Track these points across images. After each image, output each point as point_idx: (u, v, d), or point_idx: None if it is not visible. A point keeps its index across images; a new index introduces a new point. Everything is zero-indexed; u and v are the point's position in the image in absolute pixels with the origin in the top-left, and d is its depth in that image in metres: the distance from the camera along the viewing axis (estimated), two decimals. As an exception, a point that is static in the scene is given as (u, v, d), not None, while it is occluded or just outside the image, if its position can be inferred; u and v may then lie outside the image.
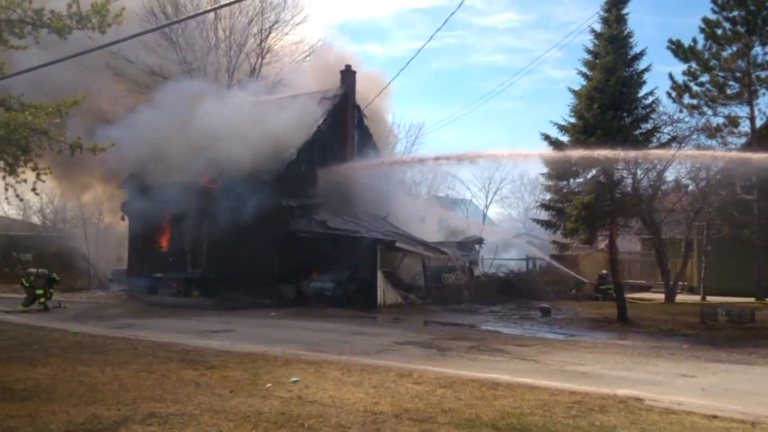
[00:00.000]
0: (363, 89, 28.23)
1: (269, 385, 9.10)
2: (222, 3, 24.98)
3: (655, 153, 19.91)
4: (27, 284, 20.41)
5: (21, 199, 8.93)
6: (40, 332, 14.68)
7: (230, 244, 24.15)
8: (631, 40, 19.44)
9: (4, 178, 8.76)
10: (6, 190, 8.95)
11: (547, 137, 19.85)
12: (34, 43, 8.09)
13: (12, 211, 42.98)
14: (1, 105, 8.71)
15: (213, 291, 24.91)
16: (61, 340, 13.33)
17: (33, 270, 21.13)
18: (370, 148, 28.33)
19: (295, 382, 9.28)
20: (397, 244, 23.55)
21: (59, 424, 7.06)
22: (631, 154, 18.75)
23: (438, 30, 30.03)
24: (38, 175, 8.84)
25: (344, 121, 27.38)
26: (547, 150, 19.81)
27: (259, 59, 33.52)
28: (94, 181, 30.01)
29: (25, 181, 9.08)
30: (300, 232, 24.18)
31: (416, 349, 13.14)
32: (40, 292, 20.12)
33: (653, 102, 19.58)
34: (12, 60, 8.51)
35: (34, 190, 8.97)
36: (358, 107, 27.99)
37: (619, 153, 18.32)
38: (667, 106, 20.90)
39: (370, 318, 19.79)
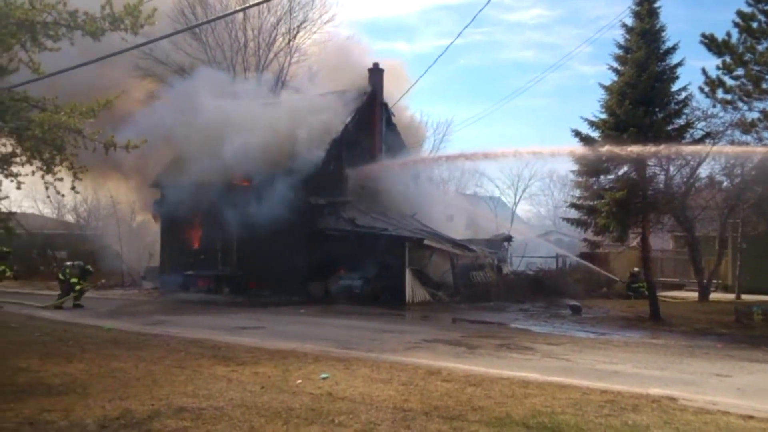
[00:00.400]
0: (389, 87, 28.23)
1: (299, 381, 9.17)
2: (250, 3, 25.12)
3: (688, 149, 19.58)
4: (62, 277, 20.72)
5: (62, 195, 9.10)
6: (75, 328, 14.97)
7: (260, 242, 24.34)
8: (663, 34, 19.13)
9: (42, 177, 8.94)
10: (46, 188, 9.13)
11: (577, 134, 19.63)
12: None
13: (47, 210, 43.93)
14: (36, 106, 8.88)
15: (243, 288, 25.16)
16: (95, 337, 13.60)
17: (69, 263, 21.51)
18: (398, 146, 28.31)
19: (324, 378, 9.33)
20: (426, 242, 23.52)
21: (94, 419, 7.19)
22: (664, 149, 18.45)
23: (466, 27, 30.31)
24: (75, 174, 9.01)
25: (372, 119, 27.41)
26: (578, 146, 19.58)
27: (288, 58, 33.70)
28: (127, 179, 30.47)
29: (61, 179, 9.25)
30: (328, 230, 24.28)
31: (445, 346, 13.11)
32: (74, 279, 20.41)
33: (686, 97, 19.25)
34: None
35: (73, 188, 9.14)
36: (385, 105, 28.00)
37: (651, 148, 18.05)
38: (701, 101, 20.50)
39: (399, 315, 19.81)
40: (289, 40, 33.82)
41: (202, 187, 24.00)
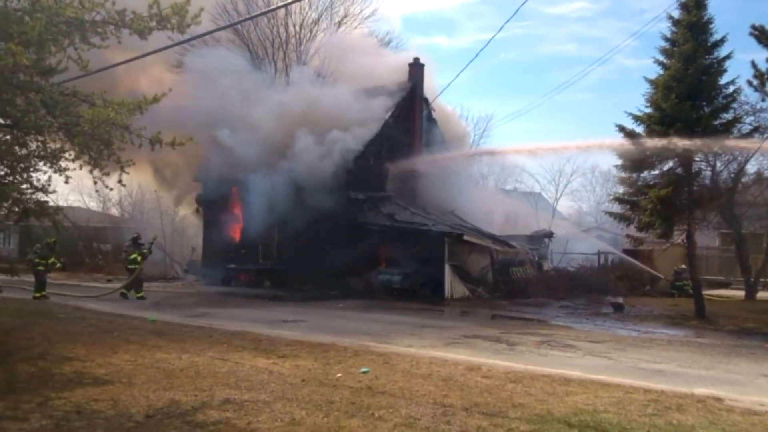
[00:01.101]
0: (429, 81, 28.14)
1: (339, 375, 9.24)
2: (292, -1, 25.30)
3: (736, 144, 19.07)
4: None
5: (110, 189, 9.35)
6: (120, 320, 15.30)
7: (300, 236, 24.56)
8: (711, 26, 18.66)
9: (90, 171, 9.18)
10: (94, 183, 9.37)
11: (622, 129, 19.28)
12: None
13: (92, 203, 44.99)
14: (85, 101, 9.10)
15: (283, 282, 25.44)
16: (140, 328, 13.88)
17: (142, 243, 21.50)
18: (438, 142, 28.21)
19: (364, 372, 9.39)
20: (465, 238, 23.42)
21: (140, 408, 7.37)
22: (712, 144, 18.02)
23: (508, 20, 29.92)
24: (122, 168, 9.23)
25: (412, 114, 27.37)
26: (622, 140, 19.21)
27: (329, 54, 33.75)
28: (170, 173, 30.97)
29: (108, 174, 9.48)
30: (368, 225, 24.36)
31: (484, 342, 13.06)
32: (134, 255, 20.75)
33: (734, 91, 18.76)
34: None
35: (120, 181, 9.37)
36: (426, 100, 27.93)
37: (697, 143, 17.65)
38: (749, 95, 19.96)
39: (438, 311, 19.78)
40: (331, 35, 33.91)
41: (243, 181, 24.30)
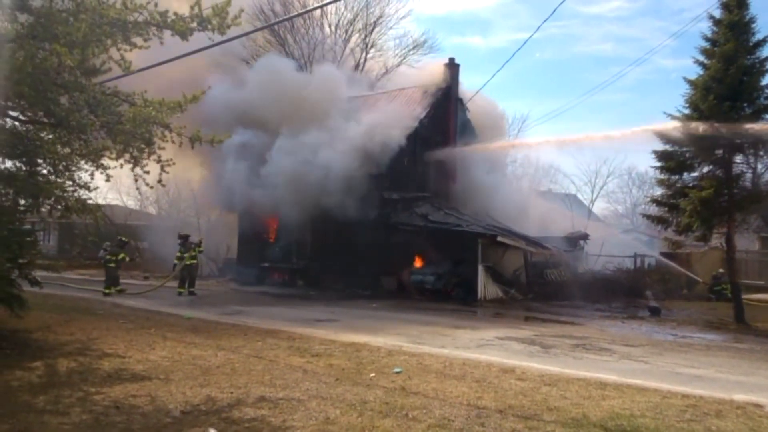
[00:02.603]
0: (466, 80, 28.08)
1: (373, 374, 9.27)
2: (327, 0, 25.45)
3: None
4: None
5: (151, 187, 9.51)
6: (157, 317, 15.56)
7: (334, 236, 24.69)
8: (753, 26, 18.27)
9: (132, 169, 9.35)
10: (135, 180, 9.54)
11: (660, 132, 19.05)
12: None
13: (130, 202, 45.77)
14: (126, 101, 9.28)
15: (317, 281, 25.59)
16: (176, 325, 14.09)
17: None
18: (474, 142, 28.06)
19: (398, 373, 9.40)
20: (499, 239, 23.27)
21: (176, 404, 7.48)
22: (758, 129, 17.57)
23: (545, 20, 29.60)
24: (162, 167, 9.38)
25: (447, 115, 27.29)
26: (668, 122, 18.81)
27: (364, 54, 33.94)
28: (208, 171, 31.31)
29: (148, 172, 9.64)
30: (401, 225, 24.37)
31: (518, 344, 12.97)
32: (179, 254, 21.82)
33: (777, 91, 18.33)
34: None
35: (160, 181, 9.53)
36: (460, 100, 27.82)
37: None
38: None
39: (471, 312, 19.70)
40: (366, 36, 34.06)
41: (277, 181, 24.49)
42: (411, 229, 24.14)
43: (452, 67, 27.58)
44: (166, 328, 13.42)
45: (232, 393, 8.03)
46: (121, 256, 21.55)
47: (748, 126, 17.36)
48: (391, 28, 35.61)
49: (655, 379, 9.70)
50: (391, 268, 24.20)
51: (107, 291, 20.62)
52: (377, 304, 20.45)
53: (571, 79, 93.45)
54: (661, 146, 19.39)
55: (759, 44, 18.25)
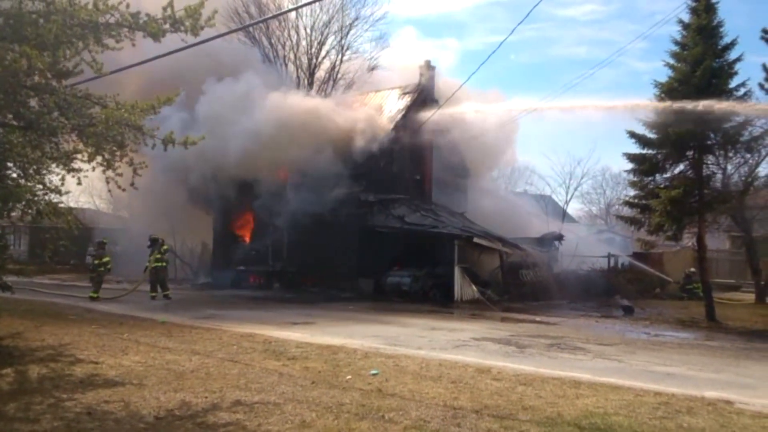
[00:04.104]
0: (443, 82, 28.05)
1: (349, 377, 9.25)
2: (303, 1, 25.40)
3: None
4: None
5: (123, 190, 9.36)
6: (130, 321, 15.37)
7: (310, 238, 24.61)
8: (721, 30, 18.61)
9: (103, 172, 9.22)
10: (107, 183, 9.42)
11: (633, 134, 19.35)
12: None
13: (102, 205, 45.13)
14: (98, 103, 9.16)
15: (293, 284, 25.49)
16: (149, 329, 13.89)
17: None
18: (449, 143, 28.11)
19: (374, 375, 9.40)
20: (475, 240, 23.40)
21: (150, 410, 7.40)
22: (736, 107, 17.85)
23: (520, 23, 29.64)
24: (135, 170, 9.27)
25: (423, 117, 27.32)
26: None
27: (340, 56, 33.85)
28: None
29: (120, 175, 9.52)
30: (378, 227, 24.38)
31: (494, 345, 13.05)
32: (156, 255, 21.53)
33: (745, 94, 18.67)
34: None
35: (132, 184, 9.41)
36: (437, 102, 27.89)
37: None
38: (761, 98, 19.89)
39: (448, 313, 19.76)
40: (341, 38, 33.96)
41: (253, 184, 24.38)
42: (387, 231, 24.17)
43: (428, 69, 27.68)
44: (139, 333, 13.26)
45: (206, 398, 7.96)
46: (106, 259, 21.25)
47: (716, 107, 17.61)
48: (367, 30, 35.48)
49: (629, 377, 9.82)
50: (368, 270, 24.20)
51: (94, 295, 20.35)
52: (354, 306, 20.44)
53: (546, 82, 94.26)
54: (633, 149, 19.70)
55: (727, 47, 18.58)
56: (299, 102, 25.11)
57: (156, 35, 7.84)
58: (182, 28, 7.84)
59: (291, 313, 18.05)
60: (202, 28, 7.94)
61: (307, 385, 8.70)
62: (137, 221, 29.40)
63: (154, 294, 21.18)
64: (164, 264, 21.90)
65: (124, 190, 9.41)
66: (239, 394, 8.12)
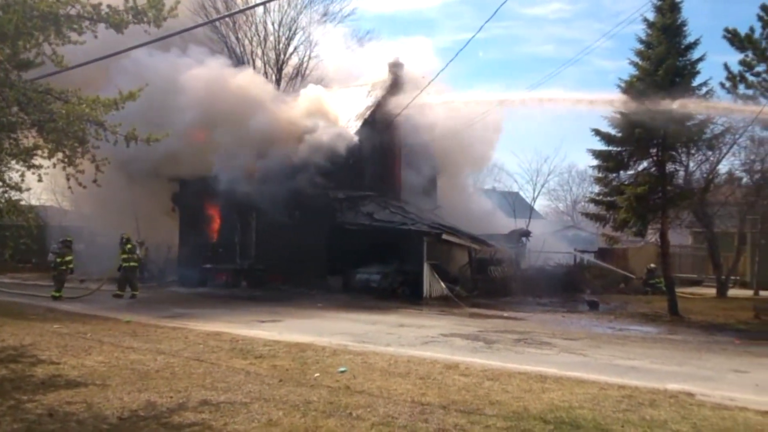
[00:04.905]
0: (411, 80, 27.99)
1: (317, 374, 9.22)
2: (269, -3, 25.15)
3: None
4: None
5: (84, 187, 9.15)
6: (94, 321, 15.11)
7: (278, 235, 24.45)
8: (684, 29, 18.93)
9: (64, 168, 9.02)
10: (67, 179, 9.22)
11: (598, 132, 19.60)
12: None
13: (65, 203, 44.23)
14: (59, 98, 8.95)
15: (261, 282, 25.29)
16: (113, 329, 13.71)
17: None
18: (418, 139, 28.16)
19: (342, 372, 9.38)
20: (444, 237, 23.47)
21: (114, 411, 7.29)
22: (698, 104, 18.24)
23: (487, 21, 29.65)
24: (97, 167, 9.08)
25: (392, 114, 27.32)
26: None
27: (308, 52, 33.68)
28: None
29: (82, 172, 9.31)
30: (347, 225, 24.32)
31: (462, 341, 13.12)
32: (124, 255, 21.28)
33: (707, 92, 19.04)
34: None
35: (95, 181, 9.21)
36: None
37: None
38: (722, 97, 20.35)
39: (416, 310, 19.80)
40: (309, 34, 33.78)
41: (220, 180, 24.10)
42: (356, 228, 24.12)
43: (396, 66, 27.67)
44: (103, 333, 13.05)
45: (172, 398, 7.86)
46: (69, 257, 20.82)
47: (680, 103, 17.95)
48: (335, 26, 35.35)
49: (594, 371, 9.97)
50: (337, 267, 24.14)
51: (57, 294, 19.97)
52: (323, 303, 20.36)
53: (515, 79, 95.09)
54: (599, 146, 19.97)
55: (690, 47, 18.92)
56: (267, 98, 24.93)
57: (118, 27, 7.69)
58: (145, 19, 7.69)
59: (259, 311, 17.92)
60: (165, 19, 7.80)
61: (275, 383, 8.65)
62: (100, 219, 28.84)
63: (121, 293, 20.84)
64: (135, 264, 21.55)
65: (85, 187, 9.21)
66: (205, 394, 8.03)
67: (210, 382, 8.65)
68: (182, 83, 23.57)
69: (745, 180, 25.95)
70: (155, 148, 9.48)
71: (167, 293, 23.92)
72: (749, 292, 25.80)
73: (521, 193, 52.16)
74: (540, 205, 56.10)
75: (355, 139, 24.79)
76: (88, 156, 8.99)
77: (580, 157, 75.78)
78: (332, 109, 25.67)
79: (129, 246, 21.55)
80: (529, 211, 45.11)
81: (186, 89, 23.48)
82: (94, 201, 25.15)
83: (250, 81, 25.60)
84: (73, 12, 7.69)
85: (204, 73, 24.45)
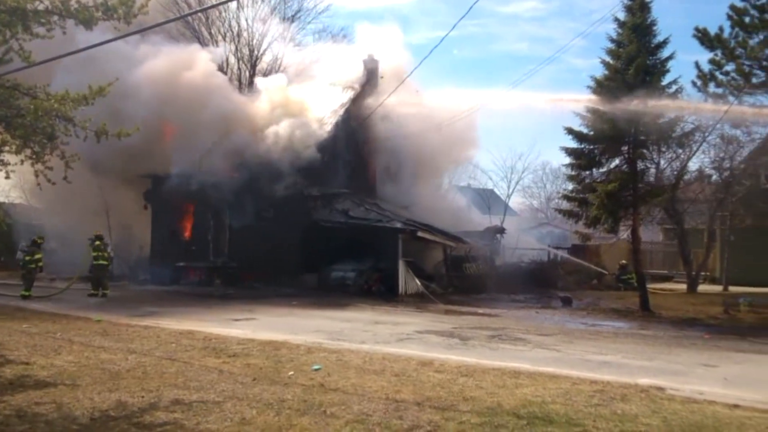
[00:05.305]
0: (387, 77, 27.98)
1: (291, 373, 9.18)
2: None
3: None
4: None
5: (53, 184, 8.98)
6: (64, 320, 14.87)
7: (253, 233, 24.28)
8: (654, 28, 19.18)
9: (33, 165, 8.87)
10: (36, 176, 9.06)
11: (570, 131, 19.77)
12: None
13: (34, 200, 43.41)
14: (27, 94, 8.79)
15: (235, 280, 25.08)
16: (84, 328, 13.51)
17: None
18: (393, 136, 28.15)
19: (317, 370, 9.35)
20: (419, 234, 23.52)
21: (84, 411, 7.19)
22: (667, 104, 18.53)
23: (461, 18, 29.76)
24: (66, 164, 8.93)
25: (366, 111, 27.30)
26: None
27: (281, 49, 33.44)
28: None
29: (51, 168, 9.16)
30: (322, 222, 24.25)
31: (437, 338, 13.17)
32: (95, 253, 20.96)
33: (677, 91, 19.32)
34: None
35: (65, 178, 9.05)
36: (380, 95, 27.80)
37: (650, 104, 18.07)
38: (692, 95, 20.69)
39: (392, 307, 19.82)
40: (283, 30, 33.55)
41: (193, 177, 23.86)
42: (331, 225, 24.06)
43: (371, 62, 27.63)
44: (73, 332, 12.86)
45: (143, 397, 7.77)
46: (38, 256, 20.49)
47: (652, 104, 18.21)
48: (309, 22, 35.17)
49: (566, 366, 10.07)
50: (312, 264, 24.05)
51: (26, 293, 19.61)
52: (298, 301, 20.28)
53: (490, 77, 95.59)
54: (572, 144, 20.15)
55: (660, 46, 19.19)
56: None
57: (87, 23, 7.56)
58: (115, 15, 7.57)
59: (232, 310, 17.79)
60: (135, 15, 7.69)
61: (248, 382, 8.59)
62: (71, 217, 28.34)
63: (95, 292, 20.56)
64: (105, 262, 21.26)
65: (54, 183, 9.06)
66: (177, 393, 7.95)
67: (182, 381, 8.57)
68: (136, 77, 23.05)
69: (714, 177, 26.48)
70: (114, 145, 9.28)
71: (139, 292, 23.62)
72: (719, 288, 26.22)
73: (496, 191, 52.50)
74: (514, 202, 56.50)
75: (325, 134, 24.67)
76: (57, 152, 8.84)
77: (554, 155, 76.82)
78: (300, 102, 25.51)
79: (99, 244, 21.25)
80: (504, 208, 45.43)
81: (140, 83, 22.99)
82: (64, 198, 24.59)
83: (204, 73, 25.25)
84: (41, 7, 7.55)
85: (159, 66, 24.05)
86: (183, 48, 25.94)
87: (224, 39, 31.89)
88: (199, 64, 25.36)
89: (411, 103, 25.89)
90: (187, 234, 27.51)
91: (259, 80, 27.02)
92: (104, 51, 22.45)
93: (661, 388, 8.44)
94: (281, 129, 23.82)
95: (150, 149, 22.79)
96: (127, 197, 28.85)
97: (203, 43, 30.71)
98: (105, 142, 8.73)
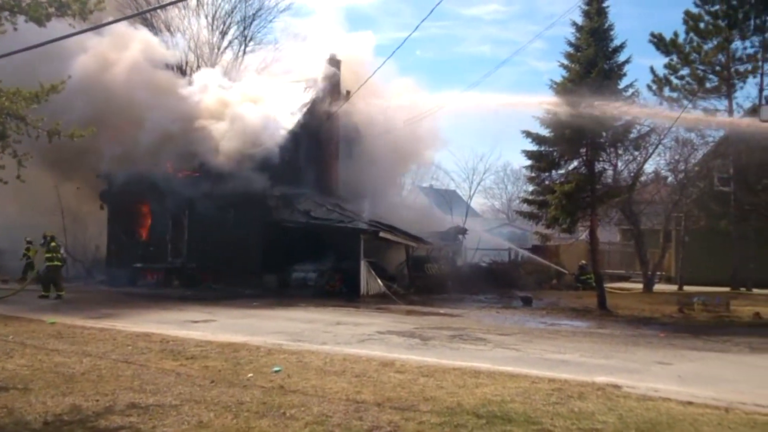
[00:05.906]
0: (349, 77, 27.93)
1: (251, 375, 9.08)
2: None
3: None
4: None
5: (5, 183, 8.70)
6: (16, 322, 14.45)
7: (212, 233, 24.01)
8: (611, 32, 19.55)
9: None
10: (-14, 175, 8.78)
11: (528, 134, 20.02)
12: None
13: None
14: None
15: (194, 281, 24.75)
16: (37, 331, 13.15)
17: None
18: (356, 137, 28.14)
19: (277, 371, 9.27)
20: (381, 234, 23.54)
21: (36, 416, 7.00)
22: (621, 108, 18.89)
23: (424, 20, 29.51)
24: (19, 162, 8.68)
25: (330, 110, 27.19)
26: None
27: (242, 47, 33.18)
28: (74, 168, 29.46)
29: (3, 167, 8.90)
30: (283, 222, 24.08)
31: (399, 338, 13.17)
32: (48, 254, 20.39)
33: (633, 94, 19.73)
34: None
35: (18, 177, 8.78)
36: (348, 93, 27.70)
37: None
38: (648, 98, 21.19)
39: (353, 308, 19.78)
40: (244, 29, 33.28)
41: (151, 177, 23.47)
42: (293, 225, 23.92)
43: (334, 62, 27.54)
44: (25, 335, 12.50)
45: (98, 401, 7.60)
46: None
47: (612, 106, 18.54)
48: (271, 21, 34.95)
49: (526, 365, 10.17)
50: (273, 265, 23.87)
51: None
52: (258, 302, 20.09)
53: (453, 79, 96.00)
54: (531, 147, 20.40)
55: (617, 50, 19.56)
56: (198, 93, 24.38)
57: (39, 20, 7.35)
58: (69, 12, 7.37)
59: (191, 311, 17.54)
60: (90, 12, 7.50)
61: (206, 384, 8.47)
62: (24, 217, 27.61)
63: (46, 294, 20.08)
64: (59, 263, 20.75)
65: (6, 182, 8.79)
66: (133, 397, 7.79)
67: (139, 385, 8.40)
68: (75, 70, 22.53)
69: (670, 179, 27.16)
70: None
71: (95, 293, 23.09)
72: (674, 287, 26.84)
73: (458, 191, 52.86)
74: (476, 203, 56.99)
75: (285, 133, 24.49)
76: (8, 151, 8.59)
77: (515, 157, 77.64)
78: (260, 99, 25.30)
79: (53, 244, 20.75)
80: (466, 208, 45.70)
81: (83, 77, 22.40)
82: (17, 198, 23.96)
83: (149, 65, 24.80)
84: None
85: (93, 60, 23.54)
86: (128, 41, 25.34)
87: (184, 37, 31.53)
88: (141, 57, 24.84)
89: (373, 103, 25.92)
90: (144, 234, 27.06)
91: (215, 76, 26.63)
92: (59, 47, 22.12)
93: (617, 386, 8.57)
94: (243, 127, 23.57)
95: (97, 147, 22.28)
96: (83, 196, 28.27)
97: (162, 41, 30.25)
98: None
